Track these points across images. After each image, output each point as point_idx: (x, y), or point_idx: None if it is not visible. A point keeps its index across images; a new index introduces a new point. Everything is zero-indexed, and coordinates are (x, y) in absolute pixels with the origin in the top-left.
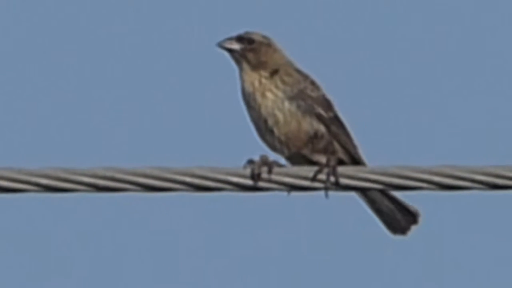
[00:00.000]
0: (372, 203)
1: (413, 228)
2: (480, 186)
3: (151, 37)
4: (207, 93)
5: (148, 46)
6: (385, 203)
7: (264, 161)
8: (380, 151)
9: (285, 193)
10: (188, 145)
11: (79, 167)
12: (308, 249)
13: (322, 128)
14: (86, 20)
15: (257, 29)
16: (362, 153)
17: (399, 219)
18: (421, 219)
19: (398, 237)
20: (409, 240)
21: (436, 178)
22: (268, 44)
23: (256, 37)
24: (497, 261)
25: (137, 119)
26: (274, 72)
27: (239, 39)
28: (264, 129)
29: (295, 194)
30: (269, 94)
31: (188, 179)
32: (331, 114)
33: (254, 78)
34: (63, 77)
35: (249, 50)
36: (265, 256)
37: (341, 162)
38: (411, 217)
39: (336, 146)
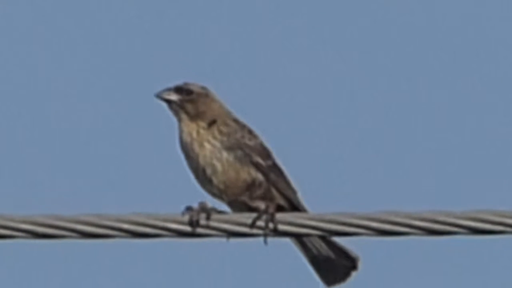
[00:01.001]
0: (308, 251)
1: (353, 274)
2: (418, 231)
3: (91, 84)
4: (146, 142)
5: (88, 93)
6: (323, 249)
7: (203, 208)
8: (322, 198)
9: (224, 239)
10: (126, 193)
11: (17, 214)
12: None
13: (260, 176)
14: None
15: (196, 80)
16: (302, 199)
17: (336, 268)
18: (360, 264)
19: None
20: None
21: (374, 224)
22: (206, 94)
23: (194, 88)
24: None
25: (77, 166)
26: (212, 123)
27: (177, 89)
28: (202, 177)
29: (234, 240)
30: (206, 145)
31: (125, 226)
32: (269, 162)
33: (192, 129)
34: None
35: (188, 101)
36: None
37: (280, 208)
38: (350, 262)
39: (275, 193)
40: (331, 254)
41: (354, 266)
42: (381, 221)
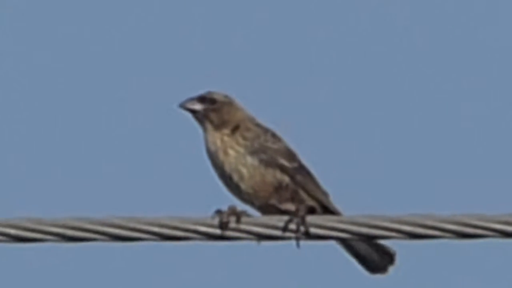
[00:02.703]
0: (349, 247)
1: (390, 268)
2: (450, 235)
3: (115, 97)
4: (176, 149)
5: (112, 107)
6: (362, 245)
7: (233, 211)
8: (355, 201)
9: (255, 243)
10: (158, 197)
11: (47, 217)
12: None
13: (286, 179)
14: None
15: (219, 89)
16: (335, 201)
17: (376, 259)
18: (397, 259)
19: (378, 276)
20: (388, 278)
21: (405, 227)
22: (229, 103)
23: (217, 97)
24: None
25: (110, 171)
26: (235, 129)
27: (201, 99)
28: (230, 184)
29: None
30: (231, 151)
31: (156, 229)
32: (295, 164)
33: (216, 137)
34: None
35: (211, 110)
36: None
37: (312, 211)
38: (388, 257)
39: (303, 194)
40: (370, 247)
41: (392, 260)
42: (412, 224)
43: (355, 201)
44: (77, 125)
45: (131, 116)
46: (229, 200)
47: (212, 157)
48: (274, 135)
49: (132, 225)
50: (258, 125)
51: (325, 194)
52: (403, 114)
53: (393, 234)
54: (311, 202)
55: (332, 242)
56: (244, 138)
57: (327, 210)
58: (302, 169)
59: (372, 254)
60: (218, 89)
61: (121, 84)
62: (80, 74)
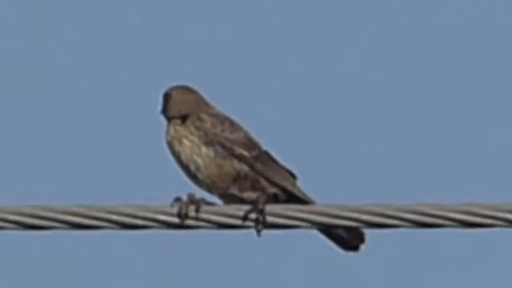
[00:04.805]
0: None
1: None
2: (408, 224)
3: (80, 84)
4: (136, 136)
5: (78, 95)
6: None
7: (191, 199)
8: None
9: (214, 231)
10: (116, 184)
11: (5, 205)
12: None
13: (245, 168)
14: None
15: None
16: (312, 187)
17: (346, 237)
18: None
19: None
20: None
21: (364, 217)
22: (180, 94)
23: (171, 92)
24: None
25: (68, 159)
26: (184, 119)
27: (164, 97)
28: (188, 174)
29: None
30: (185, 141)
31: (114, 217)
32: (254, 153)
33: (170, 127)
34: None
35: (165, 104)
36: None
37: (276, 198)
38: (359, 236)
39: (264, 183)
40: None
41: (362, 240)
42: (370, 213)
43: (332, 190)
44: (37, 112)
45: (95, 104)
46: (190, 188)
47: (170, 146)
48: (232, 125)
49: (91, 213)
50: (215, 115)
51: (288, 179)
52: (373, 103)
53: (352, 223)
54: (273, 190)
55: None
56: (197, 128)
57: (295, 197)
58: (262, 156)
59: (342, 233)
60: (185, 82)
61: (85, 71)
62: (45, 56)
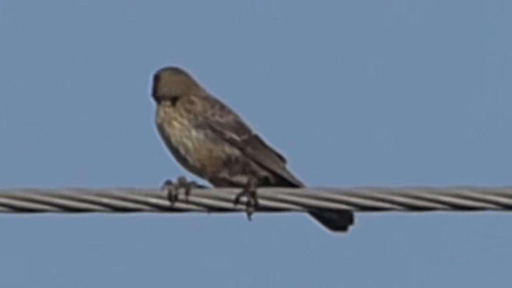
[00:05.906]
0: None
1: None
2: (399, 207)
3: (69, 67)
4: (126, 119)
5: (67, 77)
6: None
7: (182, 183)
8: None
9: (205, 214)
10: (106, 167)
11: None
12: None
13: (235, 152)
14: None
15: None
16: (293, 170)
17: (336, 219)
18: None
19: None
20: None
21: (354, 200)
22: (170, 75)
23: (161, 73)
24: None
25: (59, 140)
26: (174, 101)
27: (154, 78)
28: (178, 157)
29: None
30: (175, 123)
31: (105, 200)
32: (244, 137)
33: (160, 109)
34: None
35: (155, 86)
36: (186, 276)
37: (266, 181)
38: (347, 216)
39: (254, 166)
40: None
41: (351, 221)
42: (361, 196)
43: (322, 173)
44: (27, 95)
45: (85, 87)
46: (180, 171)
47: (159, 129)
48: (222, 108)
49: (81, 196)
50: (206, 98)
51: (277, 163)
52: (363, 86)
53: (343, 206)
54: (264, 173)
55: None
56: (187, 111)
57: (285, 181)
58: (252, 140)
59: (333, 215)
60: (176, 63)
61: (75, 56)
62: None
